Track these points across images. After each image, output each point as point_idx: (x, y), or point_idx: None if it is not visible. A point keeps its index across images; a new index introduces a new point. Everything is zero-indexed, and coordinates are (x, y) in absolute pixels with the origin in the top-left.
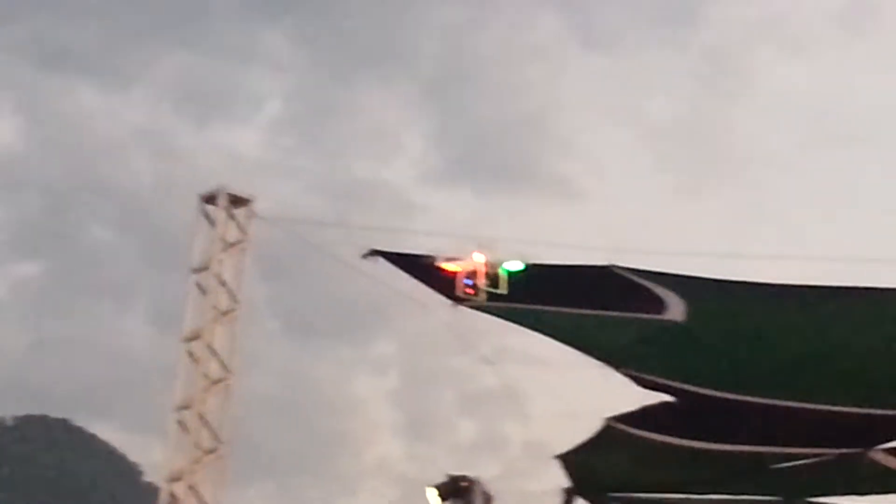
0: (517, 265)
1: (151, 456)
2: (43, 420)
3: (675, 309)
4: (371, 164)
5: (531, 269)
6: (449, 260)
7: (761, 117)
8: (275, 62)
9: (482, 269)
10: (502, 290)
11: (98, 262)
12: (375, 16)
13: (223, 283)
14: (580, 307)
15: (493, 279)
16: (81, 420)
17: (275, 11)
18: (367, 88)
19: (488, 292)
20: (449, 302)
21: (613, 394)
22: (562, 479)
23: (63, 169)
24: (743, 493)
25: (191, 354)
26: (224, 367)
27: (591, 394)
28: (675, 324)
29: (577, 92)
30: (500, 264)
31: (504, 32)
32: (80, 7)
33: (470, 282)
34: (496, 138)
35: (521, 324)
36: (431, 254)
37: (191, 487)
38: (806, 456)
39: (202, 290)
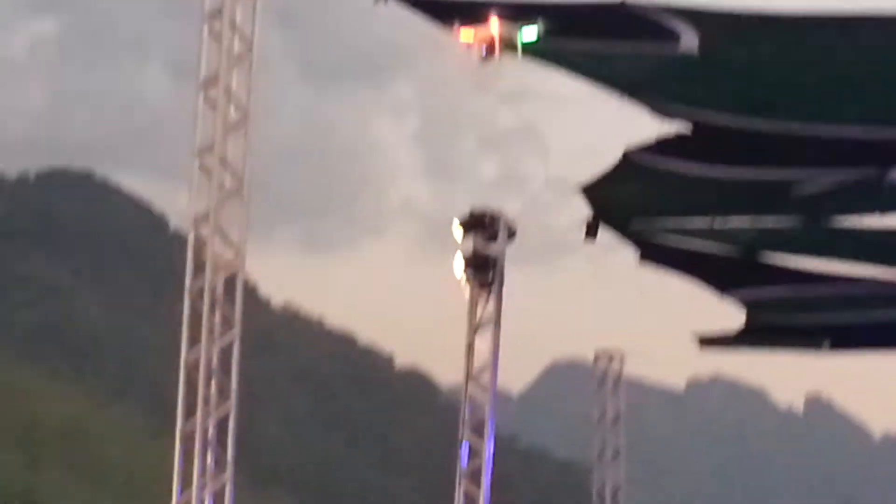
0: (532, 34)
1: (177, 205)
2: (65, 172)
3: (690, 41)
4: None
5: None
6: (465, 24)
7: None
8: None
9: (498, 39)
10: (519, 55)
11: (113, 16)
12: None
13: (236, 29)
14: (595, 42)
15: (510, 47)
16: (105, 171)
17: None
18: None
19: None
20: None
21: (632, 126)
22: (585, 212)
23: None
24: (765, 215)
25: (208, 100)
26: (241, 110)
27: (609, 128)
28: (689, 55)
29: None
30: (516, 33)
31: None
32: None
33: (485, 52)
34: None
35: (537, 59)
36: None
37: (216, 229)
38: (827, 177)
39: (215, 36)
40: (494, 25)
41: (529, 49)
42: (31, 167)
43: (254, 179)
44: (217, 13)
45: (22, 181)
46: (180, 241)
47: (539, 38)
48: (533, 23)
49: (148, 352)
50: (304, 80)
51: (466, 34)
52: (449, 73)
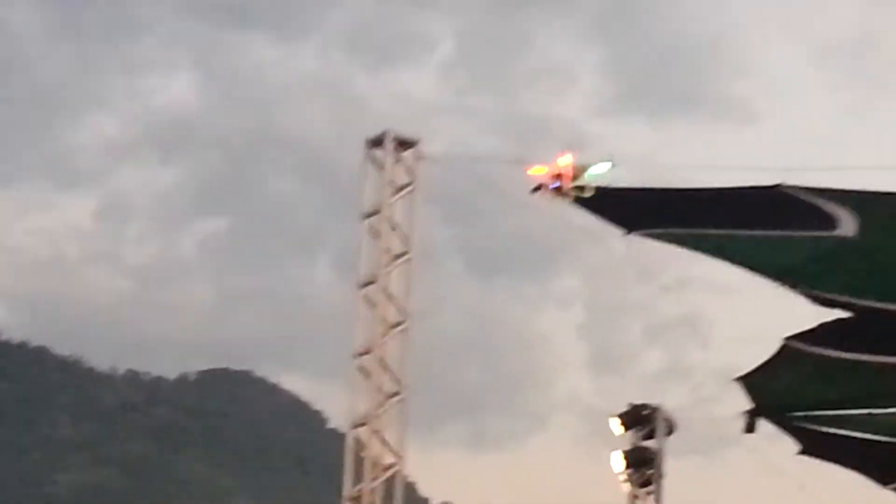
0: (604, 167)
1: (335, 403)
2: (225, 373)
3: (847, 224)
4: (544, 100)
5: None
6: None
7: None
8: (445, 3)
9: (569, 172)
10: (588, 193)
11: (281, 214)
12: None
13: (395, 227)
14: (751, 228)
15: (579, 182)
16: (265, 371)
17: None
18: (538, 24)
19: (575, 196)
20: (621, 231)
21: (792, 314)
22: (745, 403)
23: (241, 123)
24: None
25: (367, 299)
26: (401, 310)
27: (770, 315)
28: (847, 239)
29: (750, 13)
30: (587, 167)
31: None
32: None
33: (556, 184)
34: (669, 66)
35: (694, 249)
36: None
37: (375, 432)
38: None
39: (375, 234)
40: (565, 161)
41: (602, 191)
42: (190, 369)
43: (416, 378)
44: (376, 211)
45: (181, 382)
46: (340, 440)
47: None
48: (604, 160)
49: None
50: (469, 274)
51: (538, 170)
52: (611, 263)
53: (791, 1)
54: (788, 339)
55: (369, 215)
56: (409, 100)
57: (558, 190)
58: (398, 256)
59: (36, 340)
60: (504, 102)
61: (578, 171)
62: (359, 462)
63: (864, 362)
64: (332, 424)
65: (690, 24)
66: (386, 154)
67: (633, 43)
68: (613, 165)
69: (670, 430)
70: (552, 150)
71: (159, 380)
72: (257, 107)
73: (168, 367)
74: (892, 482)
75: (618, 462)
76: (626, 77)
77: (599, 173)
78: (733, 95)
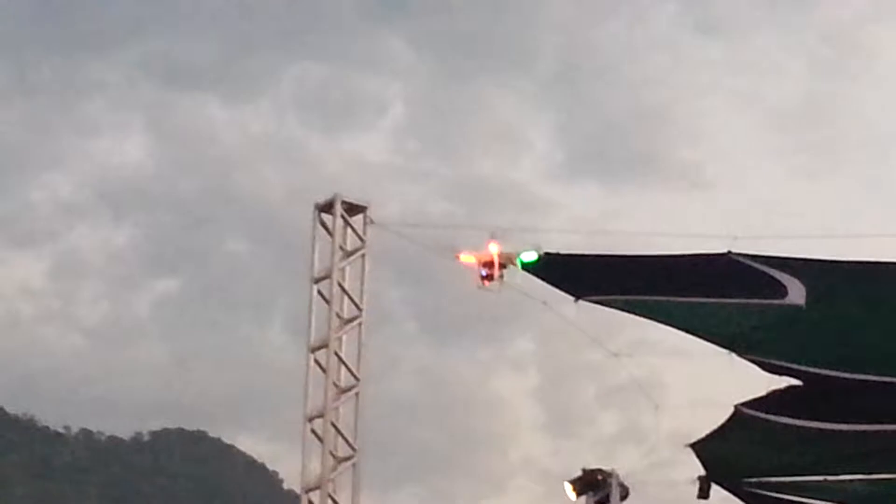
0: (531, 256)
1: (290, 465)
2: (179, 433)
3: (797, 293)
4: (497, 164)
5: (554, 257)
6: (468, 252)
7: (883, 94)
8: (396, 67)
9: (497, 260)
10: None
11: (234, 275)
12: (494, 16)
13: (345, 292)
14: (700, 296)
15: (508, 269)
16: (219, 431)
17: (394, 16)
18: (490, 88)
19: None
20: (571, 298)
21: (744, 380)
22: (699, 468)
23: (193, 184)
24: (880, 472)
25: (319, 363)
26: (352, 374)
27: (723, 381)
28: (796, 308)
29: (700, 79)
30: (515, 255)
31: (621, 26)
32: (201, 23)
33: (485, 272)
34: (619, 131)
35: (643, 315)
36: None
37: (329, 496)
38: None
39: (325, 299)
40: (493, 249)
41: (536, 272)
42: (144, 428)
43: (369, 441)
44: (325, 276)
45: (135, 442)
46: (296, 501)
47: (538, 260)
48: (532, 248)
49: None
50: (422, 337)
51: (467, 257)
52: (565, 328)
53: (740, 68)
54: (740, 405)
55: (319, 279)
56: (361, 163)
57: (488, 278)
58: (349, 321)
59: None
60: (455, 166)
61: (506, 260)
62: None
63: (815, 429)
64: (287, 486)
65: (641, 89)
66: (335, 219)
67: (585, 107)
68: (539, 255)
69: (624, 495)
70: (504, 216)
71: (113, 439)
72: (209, 168)
73: (122, 426)
74: None
75: None
76: (577, 142)
77: (528, 261)
78: (684, 161)
